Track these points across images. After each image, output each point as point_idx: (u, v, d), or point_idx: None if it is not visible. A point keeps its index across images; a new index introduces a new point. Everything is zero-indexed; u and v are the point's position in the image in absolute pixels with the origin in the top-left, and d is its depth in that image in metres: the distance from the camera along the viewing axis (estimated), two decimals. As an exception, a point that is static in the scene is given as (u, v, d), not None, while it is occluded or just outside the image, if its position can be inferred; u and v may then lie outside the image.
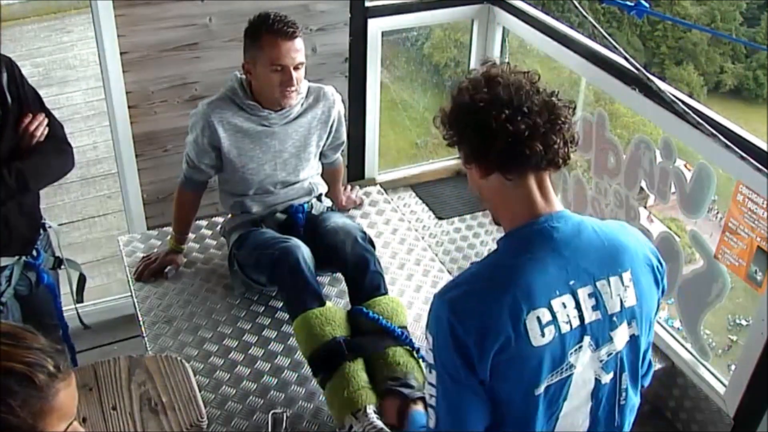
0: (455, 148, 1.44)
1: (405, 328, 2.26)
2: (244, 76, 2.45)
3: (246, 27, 2.36)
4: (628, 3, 2.18)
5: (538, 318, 1.32)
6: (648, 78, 2.18)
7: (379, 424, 2.03)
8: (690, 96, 2.49)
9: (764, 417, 2.24)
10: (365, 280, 2.32)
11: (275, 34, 2.29)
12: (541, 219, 1.38)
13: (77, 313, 2.51)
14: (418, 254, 2.83)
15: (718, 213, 2.89)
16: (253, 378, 2.29)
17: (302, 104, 2.49)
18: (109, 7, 2.61)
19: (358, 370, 2.11)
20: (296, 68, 2.34)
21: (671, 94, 2.19)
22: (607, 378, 1.43)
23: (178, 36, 2.78)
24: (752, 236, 2.19)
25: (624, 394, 1.47)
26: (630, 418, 1.52)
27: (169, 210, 2.73)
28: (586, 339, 1.37)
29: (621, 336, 1.41)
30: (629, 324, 1.42)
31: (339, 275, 2.58)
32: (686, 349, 2.57)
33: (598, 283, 1.38)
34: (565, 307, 1.35)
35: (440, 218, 3.21)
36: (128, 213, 3.03)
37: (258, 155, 2.48)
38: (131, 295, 2.60)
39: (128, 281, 2.65)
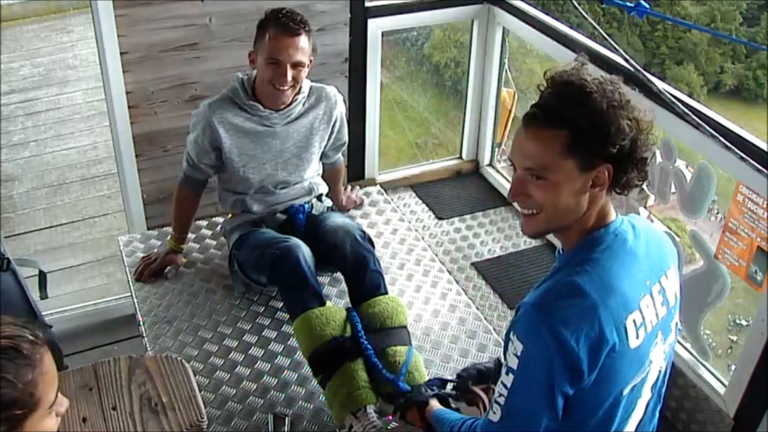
0: (547, 132, 1.35)
1: (405, 327, 2.27)
2: (245, 77, 2.45)
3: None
4: (628, 3, 2.19)
5: (634, 321, 1.36)
6: (648, 78, 2.19)
7: (380, 423, 2.03)
8: (690, 96, 2.49)
9: (764, 417, 2.24)
10: (365, 280, 2.32)
11: (279, 28, 2.30)
12: (616, 222, 1.42)
13: (34, 305, 2.43)
14: (418, 254, 2.83)
15: (718, 213, 2.90)
16: (254, 378, 2.29)
17: (304, 104, 2.49)
18: (109, 7, 2.61)
19: (358, 370, 2.11)
20: (294, 66, 2.33)
21: (671, 94, 2.19)
22: (664, 367, 1.50)
23: (178, 36, 2.78)
24: (752, 236, 2.19)
25: (666, 380, 1.53)
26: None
27: (169, 210, 2.73)
28: (659, 334, 1.43)
29: (674, 325, 1.49)
30: (677, 313, 1.50)
31: (339, 275, 2.58)
32: (686, 349, 2.57)
33: (661, 279, 1.43)
34: (648, 307, 1.39)
35: (440, 218, 3.21)
36: (128, 213, 3.02)
37: (259, 155, 2.48)
38: (131, 296, 2.59)
39: (128, 281, 2.65)
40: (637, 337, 1.36)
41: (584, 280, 1.35)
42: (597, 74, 1.39)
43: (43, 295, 2.47)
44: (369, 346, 2.15)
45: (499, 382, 1.42)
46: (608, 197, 1.41)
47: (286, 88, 2.36)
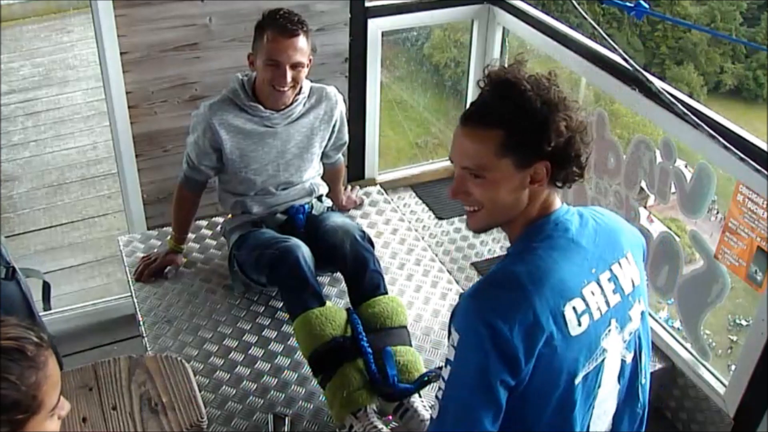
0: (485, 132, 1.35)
1: (405, 327, 2.27)
2: (245, 78, 2.45)
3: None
4: (628, 3, 2.18)
5: (574, 308, 1.35)
6: (647, 79, 2.18)
7: (380, 424, 2.03)
8: (690, 96, 2.49)
9: (764, 417, 2.24)
10: (365, 280, 2.32)
11: (277, 29, 2.29)
12: (559, 212, 1.42)
13: (37, 316, 2.38)
14: (418, 254, 2.83)
15: (718, 213, 2.90)
16: (253, 378, 2.29)
17: (304, 104, 2.49)
18: (109, 7, 2.61)
19: (358, 371, 2.11)
20: (293, 67, 2.33)
21: (671, 94, 2.19)
22: (629, 357, 1.47)
23: (178, 36, 2.78)
24: (752, 236, 2.19)
25: (644, 371, 1.51)
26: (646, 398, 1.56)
27: (169, 210, 2.73)
28: (613, 322, 1.41)
29: (636, 314, 1.47)
30: (639, 301, 1.47)
31: (339, 275, 2.58)
32: (686, 349, 2.57)
33: (612, 267, 1.43)
34: (593, 294, 1.38)
35: (440, 218, 3.21)
36: (128, 213, 3.02)
37: (261, 156, 2.48)
38: (131, 295, 2.60)
39: (128, 281, 2.65)
40: (579, 325, 1.35)
41: (519, 269, 1.35)
42: (534, 71, 1.39)
43: (47, 307, 2.46)
44: (370, 350, 2.15)
45: (440, 379, 1.39)
46: (551, 189, 1.41)
47: (286, 88, 2.36)
